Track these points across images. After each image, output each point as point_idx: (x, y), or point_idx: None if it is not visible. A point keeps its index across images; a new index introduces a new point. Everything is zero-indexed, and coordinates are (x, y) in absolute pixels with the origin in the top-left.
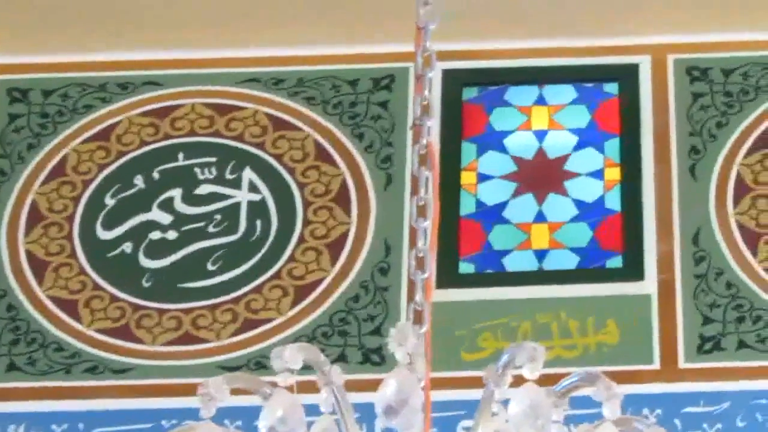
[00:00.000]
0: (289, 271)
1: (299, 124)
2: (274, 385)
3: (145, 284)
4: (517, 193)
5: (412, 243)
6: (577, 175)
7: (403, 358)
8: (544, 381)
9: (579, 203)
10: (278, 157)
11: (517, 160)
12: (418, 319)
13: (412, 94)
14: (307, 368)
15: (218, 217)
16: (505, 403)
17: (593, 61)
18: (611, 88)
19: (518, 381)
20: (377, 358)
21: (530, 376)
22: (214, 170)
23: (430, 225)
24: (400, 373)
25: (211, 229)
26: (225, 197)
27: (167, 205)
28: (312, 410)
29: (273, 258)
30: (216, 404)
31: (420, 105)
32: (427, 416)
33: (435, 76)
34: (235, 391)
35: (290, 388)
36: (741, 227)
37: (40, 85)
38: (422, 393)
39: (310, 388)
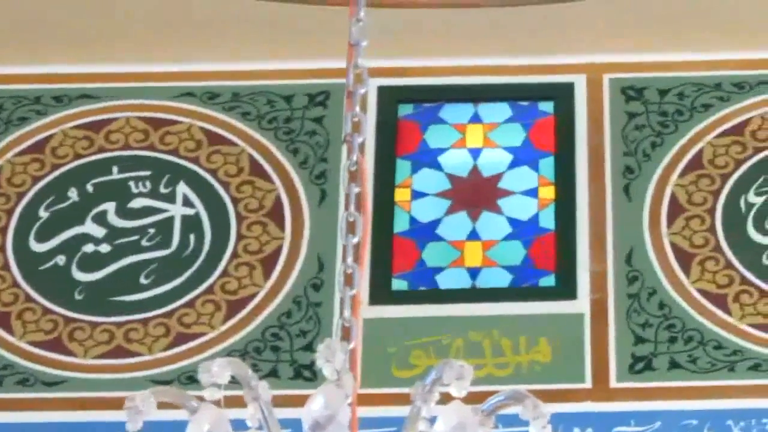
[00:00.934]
0: (222, 286)
1: (234, 139)
2: (201, 399)
3: (78, 297)
4: (450, 211)
5: (343, 259)
6: (512, 193)
7: (331, 374)
8: (477, 399)
9: (513, 221)
10: (213, 172)
11: (452, 178)
12: (346, 335)
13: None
14: (236, 383)
15: (152, 230)
16: (434, 420)
17: (529, 80)
18: (546, 106)
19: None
20: (309, 373)
21: (457, 394)
22: (148, 184)
23: (358, 241)
24: (328, 389)
25: (144, 242)
26: (159, 211)
27: (101, 219)
28: (240, 426)
29: (206, 272)
30: (143, 418)
31: (351, 121)
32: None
33: (370, 93)
34: (164, 406)
35: (217, 403)
36: (674, 247)
37: None
38: (349, 409)
39: (238, 403)
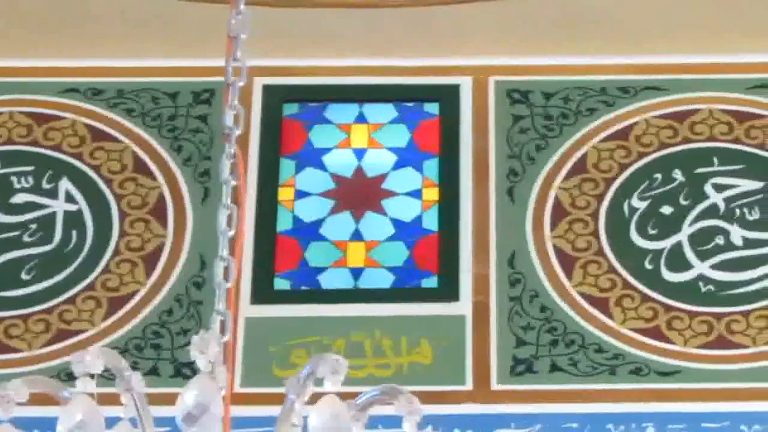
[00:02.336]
0: (103, 283)
1: (118, 135)
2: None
3: None
4: (334, 211)
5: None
6: (396, 194)
7: (205, 366)
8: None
9: (396, 222)
10: (96, 168)
11: (336, 178)
12: (221, 328)
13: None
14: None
15: (34, 226)
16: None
17: (414, 81)
18: (432, 108)
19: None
20: (189, 372)
21: (332, 389)
22: (30, 179)
23: (234, 234)
24: (201, 381)
25: (26, 238)
26: (41, 207)
27: None
28: (115, 423)
29: (87, 269)
30: (13, 406)
31: (229, 115)
32: (226, 425)
33: (255, 92)
34: (39, 401)
35: (91, 394)
36: (557, 251)
37: None
38: (222, 402)
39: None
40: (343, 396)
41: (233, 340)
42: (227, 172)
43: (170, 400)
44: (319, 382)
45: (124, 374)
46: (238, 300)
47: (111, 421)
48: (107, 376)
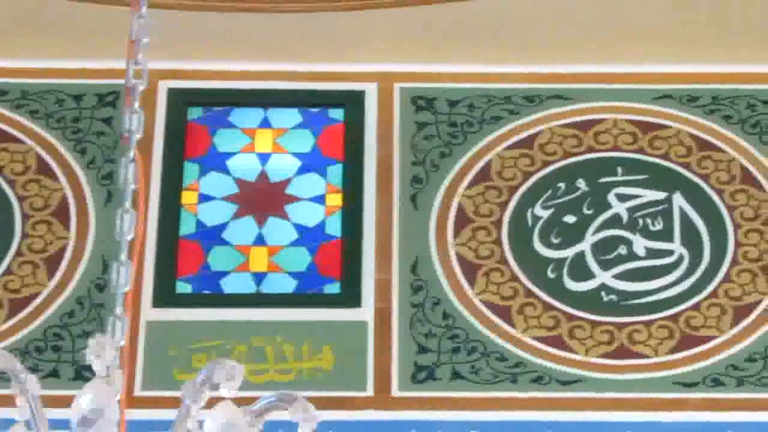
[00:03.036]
0: (5, 285)
1: (21, 137)
2: None
3: None
4: (237, 215)
5: (131, 257)
6: (299, 199)
7: (101, 370)
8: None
9: (299, 228)
10: None
11: (240, 182)
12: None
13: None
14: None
15: None
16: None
17: (319, 87)
18: (336, 113)
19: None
20: (90, 374)
21: (228, 395)
22: None
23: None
24: (96, 385)
25: None
26: None
27: None
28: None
29: None
30: None
31: (129, 118)
32: (122, 429)
33: (160, 95)
34: None
35: None
36: (460, 258)
37: None
38: (118, 405)
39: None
40: (245, 400)
41: (131, 344)
42: (125, 176)
43: (71, 402)
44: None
45: (20, 376)
46: (139, 303)
47: (6, 423)
48: (4, 378)
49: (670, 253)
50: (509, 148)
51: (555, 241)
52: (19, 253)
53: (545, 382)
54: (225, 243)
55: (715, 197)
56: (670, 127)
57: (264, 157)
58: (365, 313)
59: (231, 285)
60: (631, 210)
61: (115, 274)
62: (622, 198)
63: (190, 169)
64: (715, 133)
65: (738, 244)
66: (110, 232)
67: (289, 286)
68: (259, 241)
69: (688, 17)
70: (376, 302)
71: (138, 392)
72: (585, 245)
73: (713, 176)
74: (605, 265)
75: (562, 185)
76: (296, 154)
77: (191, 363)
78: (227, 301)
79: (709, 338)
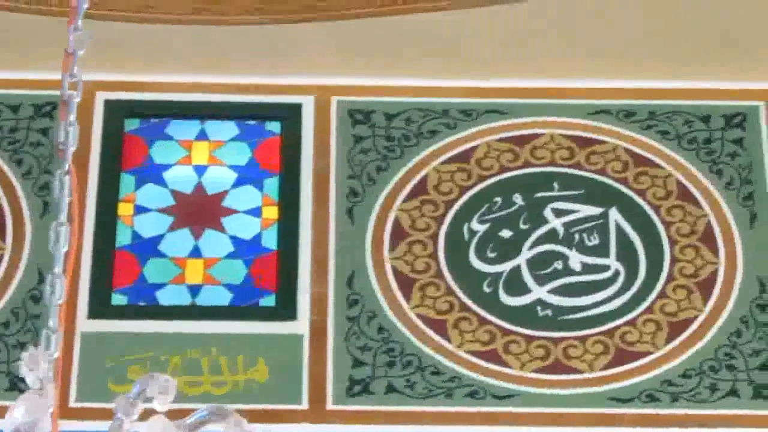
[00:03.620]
0: None
1: None
2: None
3: None
4: (173, 227)
5: (67, 270)
6: (235, 211)
7: (34, 383)
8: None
9: (235, 240)
10: None
11: (176, 194)
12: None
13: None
14: None
15: None
16: None
17: (257, 99)
18: (273, 126)
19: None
20: (25, 386)
21: (161, 409)
22: None
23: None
24: (30, 398)
25: None
26: None
27: None
28: None
29: None
30: None
31: (64, 130)
32: None
33: (97, 106)
34: None
35: None
36: (396, 272)
37: None
38: (51, 419)
39: None
40: (180, 413)
41: (66, 355)
42: (59, 188)
43: (4, 413)
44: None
45: None
46: (74, 314)
47: None
48: None
49: (606, 268)
50: (446, 162)
51: (491, 255)
52: None
53: (480, 396)
54: (161, 255)
55: (652, 213)
56: (607, 142)
57: (200, 170)
58: (301, 326)
59: (166, 297)
60: (567, 225)
61: (49, 287)
62: (559, 213)
63: (127, 181)
64: (652, 149)
65: (674, 260)
66: (46, 243)
67: (224, 298)
68: (195, 253)
69: (626, 33)
70: (311, 315)
71: (73, 403)
72: (521, 260)
73: (650, 192)
74: (541, 280)
75: (498, 200)
76: (233, 167)
77: (126, 374)
78: (163, 312)
79: (644, 354)
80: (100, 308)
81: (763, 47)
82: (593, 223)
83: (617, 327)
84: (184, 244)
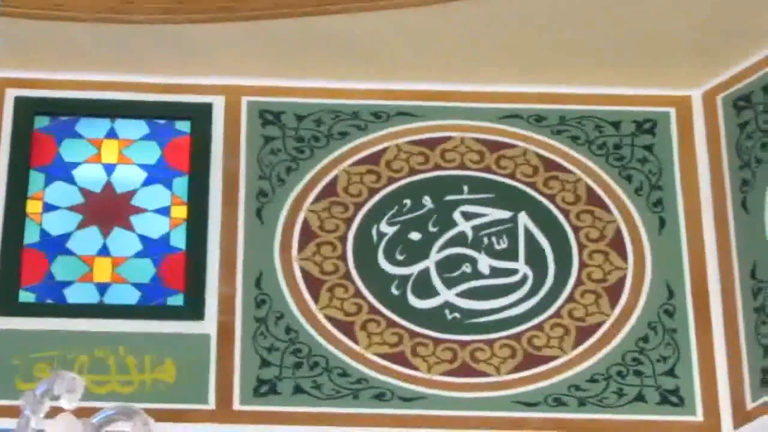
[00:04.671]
0: None
1: None
2: None
3: None
4: (82, 225)
5: None
6: (144, 210)
7: None
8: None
9: (144, 239)
10: None
11: (85, 192)
12: None
13: None
14: None
15: None
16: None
17: (167, 99)
18: (183, 126)
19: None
20: None
21: (68, 407)
22: None
23: None
24: None
25: None
26: None
27: None
28: None
29: None
30: None
31: None
32: None
33: (6, 104)
34: None
35: None
36: (304, 273)
37: None
38: None
39: None
40: (87, 411)
41: None
42: None
43: None
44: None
45: None
46: None
47: None
48: None
49: (515, 272)
50: (356, 164)
51: (400, 257)
52: None
53: (387, 398)
54: (69, 253)
55: (561, 217)
56: (517, 146)
57: (110, 168)
58: (208, 326)
59: (74, 295)
60: (476, 228)
61: None
62: (468, 216)
63: (36, 178)
64: (562, 154)
65: (582, 265)
66: None
67: (132, 297)
68: (104, 251)
69: (537, 38)
70: (219, 315)
71: None
72: (429, 263)
73: (559, 196)
74: (449, 283)
75: (407, 202)
76: (142, 166)
77: (33, 372)
78: (70, 311)
79: (552, 358)
80: (7, 306)
81: (675, 54)
82: (502, 226)
83: (525, 331)
84: (93, 242)
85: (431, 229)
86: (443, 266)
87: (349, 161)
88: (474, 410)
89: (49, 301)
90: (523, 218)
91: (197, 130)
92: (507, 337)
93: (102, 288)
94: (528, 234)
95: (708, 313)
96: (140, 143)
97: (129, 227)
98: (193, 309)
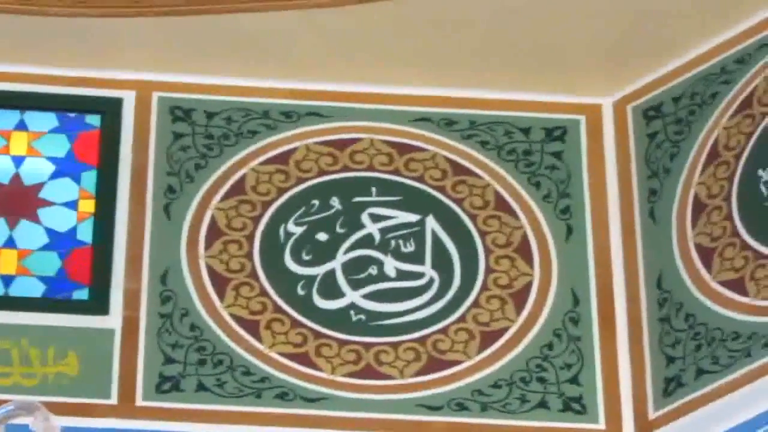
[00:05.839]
0: None
1: None
2: None
3: None
4: None
5: None
6: (52, 203)
7: None
8: None
9: (51, 232)
10: None
11: None
12: None
13: None
14: None
15: None
16: None
17: (77, 92)
18: (93, 119)
19: None
20: None
21: None
22: None
23: None
24: None
25: None
26: None
27: None
28: None
29: None
30: None
31: None
32: None
33: None
34: None
35: None
36: (210, 270)
37: None
38: None
39: None
40: None
41: None
42: None
43: None
44: None
45: None
46: None
47: None
48: None
49: (421, 275)
50: (265, 163)
51: (306, 258)
52: None
53: (290, 398)
54: None
55: (468, 222)
56: (427, 150)
57: (18, 160)
58: (113, 320)
59: None
60: (384, 231)
61: None
62: (376, 218)
63: None
64: (471, 159)
65: (489, 270)
66: None
67: (37, 290)
68: (10, 243)
69: (449, 42)
70: (124, 310)
71: None
72: (336, 264)
73: (467, 201)
74: (355, 285)
75: (316, 203)
76: (51, 159)
77: None
78: None
79: (456, 362)
80: None
81: (587, 62)
82: (410, 230)
83: (430, 334)
84: None
85: (339, 230)
86: (350, 268)
87: (258, 160)
88: (377, 412)
89: None
90: (431, 222)
91: (107, 124)
92: (412, 341)
93: (7, 280)
94: (435, 238)
95: (613, 322)
96: (50, 136)
97: (36, 220)
98: (99, 303)
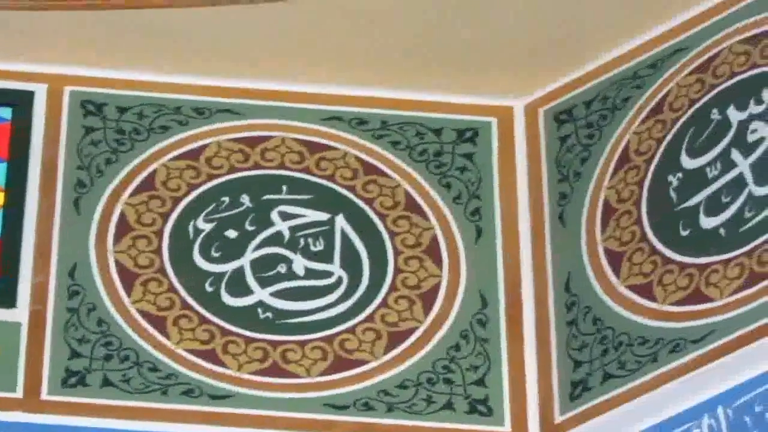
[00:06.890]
0: None
1: None
2: None
3: None
4: None
5: None
6: None
7: None
8: None
9: None
10: None
11: None
12: None
13: None
14: None
15: None
16: None
17: None
18: (4, 112)
19: None
20: None
21: None
22: None
23: None
24: None
25: None
26: None
27: None
28: None
29: None
30: None
31: None
32: None
33: None
34: None
35: None
36: (119, 265)
37: None
38: None
39: None
40: None
41: None
42: None
43: None
44: None
45: None
46: None
47: None
48: None
49: (329, 274)
50: (175, 158)
51: (215, 255)
52: None
53: (196, 395)
54: None
55: (378, 222)
56: (338, 149)
57: None
58: (20, 314)
59: None
60: (294, 229)
61: None
62: (285, 216)
63: None
64: (382, 158)
65: (397, 270)
66: None
67: None
68: None
69: (361, 40)
70: (31, 304)
71: None
72: (245, 261)
73: (377, 201)
74: (264, 282)
75: (226, 200)
76: None
77: None
78: None
79: (363, 362)
80: None
81: (499, 65)
82: (319, 228)
83: (337, 333)
84: None
85: (248, 227)
86: (258, 265)
87: (169, 156)
88: (283, 411)
89: None
90: (341, 221)
91: (18, 117)
92: (319, 339)
93: None
94: (345, 237)
95: (520, 325)
96: None
97: None
98: (6, 296)
